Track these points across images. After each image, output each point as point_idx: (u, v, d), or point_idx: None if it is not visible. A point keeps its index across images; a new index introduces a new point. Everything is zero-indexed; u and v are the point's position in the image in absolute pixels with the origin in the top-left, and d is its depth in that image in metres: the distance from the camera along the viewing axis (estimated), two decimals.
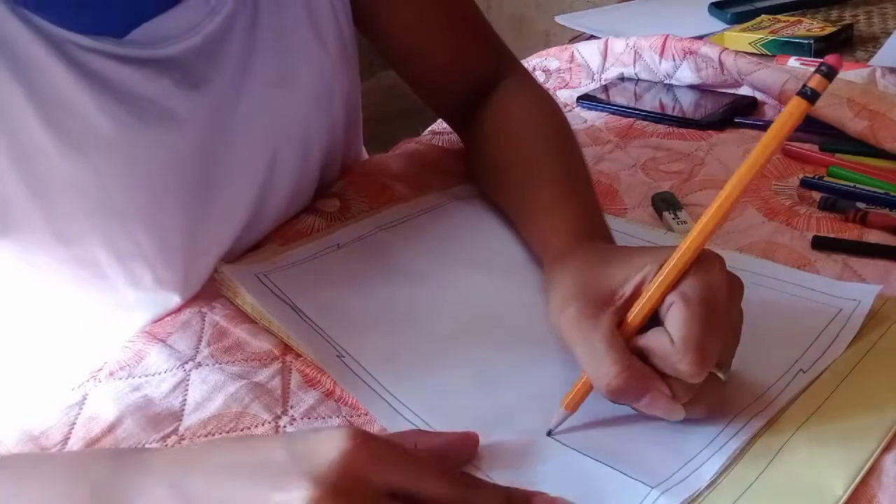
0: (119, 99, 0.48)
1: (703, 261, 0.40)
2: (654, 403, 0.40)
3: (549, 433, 0.42)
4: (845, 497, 0.38)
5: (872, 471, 0.39)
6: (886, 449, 0.40)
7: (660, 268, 0.41)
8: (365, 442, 0.34)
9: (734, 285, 0.42)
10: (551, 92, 0.92)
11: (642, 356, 0.41)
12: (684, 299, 0.39)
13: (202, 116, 0.53)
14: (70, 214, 0.48)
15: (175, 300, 0.54)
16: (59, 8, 0.46)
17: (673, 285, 0.40)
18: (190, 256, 0.54)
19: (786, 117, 0.39)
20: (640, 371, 0.40)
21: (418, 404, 0.45)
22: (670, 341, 0.39)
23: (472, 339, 0.50)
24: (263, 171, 0.59)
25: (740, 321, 0.42)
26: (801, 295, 0.52)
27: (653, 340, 0.40)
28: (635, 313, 0.41)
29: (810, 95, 0.38)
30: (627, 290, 0.42)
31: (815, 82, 0.38)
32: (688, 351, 0.39)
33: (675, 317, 0.40)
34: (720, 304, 0.40)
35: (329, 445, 0.34)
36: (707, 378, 0.40)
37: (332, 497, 0.32)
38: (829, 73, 0.38)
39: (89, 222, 0.49)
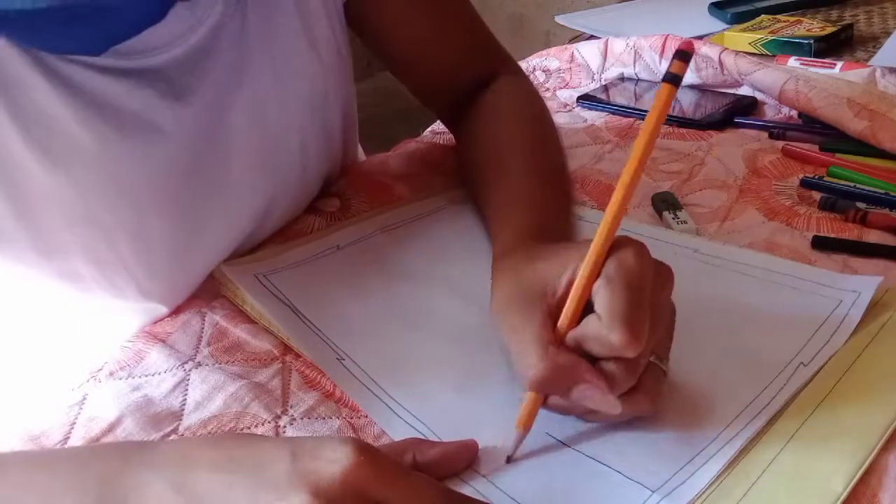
0: (100, 111, 0.48)
1: (620, 245, 0.41)
2: (584, 394, 0.40)
3: (508, 460, 0.41)
4: (845, 494, 0.37)
5: (874, 470, 0.39)
6: (887, 448, 0.40)
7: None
8: (368, 459, 0.34)
9: (662, 271, 0.42)
10: (551, 92, 0.92)
11: (579, 347, 0.41)
12: (606, 279, 0.40)
13: (187, 128, 0.52)
14: (52, 227, 0.47)
15: (161, 310, 0.54)
16: (29, 31, 0.45)
17: (595, 275, 0.41)
18: (178, 268, 0.53)
19: (661, 102, 0.42)
20: (565, 362, 0.40)
21: (417, 407, 0.45)
22: (599, 320, 0.39)
23: (471, 342, 0.50)
24: (262, 183, 0.58)
25: (672, 314, 0.43)
26: (801, 288, 0.52)
27: (585, 326, 0.41)
28: (566, 310, 0.41)
29: (673, 79, 0.42)
30: (559, 288, 0.42)
31: (676, 67, 0.42)
32: (615, 321, 0.39)
33: (600, 296, 0.40)
34: (642, 281, 0.40)
35: (333, 456, 0.34)
36: (648, 369, 0.41)
37: None
38: (686, 57, 0.42)
39: (71, 234, 0.48)
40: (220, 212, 0.55)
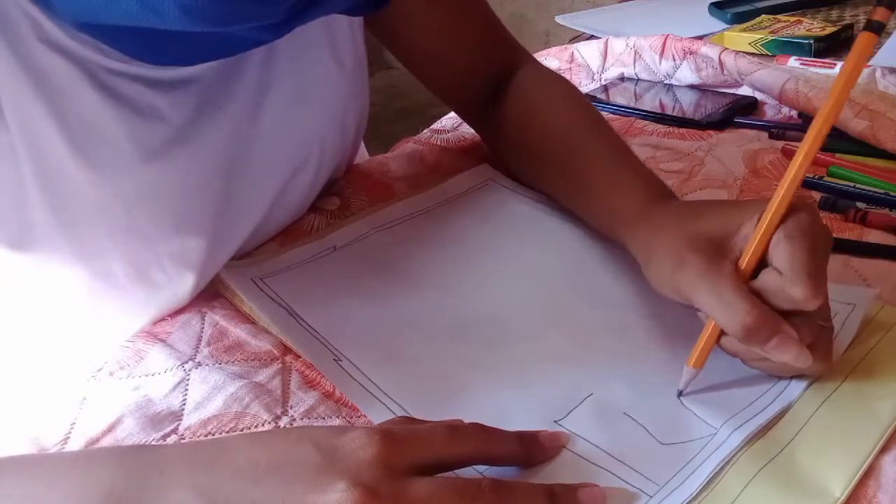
0: (146, 124, 0.48)
1: (798, 207, 0.43)
2: (782, 346, 0.41)
3: (680, 395, 0.44)
4: (843, 498, 0.38)
5: (871, 472, 0.39)
6: (885, 450, 0.40)
7: (759, 218, 0.43)
8: (390, 435, 0.36)
9: (827, 234, 0.44)
10: None
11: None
12: (787, 235, 0.42)
13: (225, 137, 0.53)
14: (94, 236, 0.48)
15: (183, 300, 0.54)
16: (131, 42, 0.45)
17: (774, 230, 0.42)
18: (205, 262, 0.54)
19: (858, 52, 0.41)
20: (768, 311, 0.41)
21: (416, 407, 0.45)
22: (779, 275, 0.41)
23: (469, 340, 0.50)
24: (279, 184, 0.59)
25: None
26: None
27: (764, 279, 0.42)
28: (745, 261, 0.43)
29: (876, 27, 0.41)
30: (735, 242, 0.44)
31: (880, 14, 0.41)
32: (797, 275, 0.41)
33: (781, 251, 0.42)
34: (820, 242, 0.42)
35: (359, 442, 0.35)
36: (819, 331, 0.43)
37: (370, 495, 0.33)
38: (891, 4, 0.41)
39: (111, 241, 0.48)
40: (239, 210, 0.56)
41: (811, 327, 0.42)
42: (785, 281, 0.41)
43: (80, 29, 0.44)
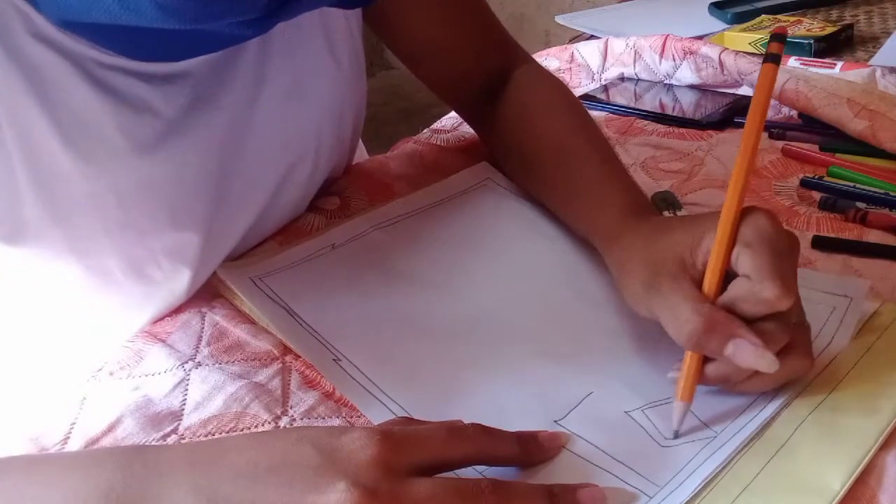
0: (139, 118, 0.48)
1: (751, 213, 0.43)
2: (740, 351, 0.41)
3: (676, 435, 0.42)
4: (842, 493, 0.38)
5: (872, 470, 0.39)
6: (886, 448, 0.40)
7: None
8: (389, 436, 0.36)
9: (791, 237, 0.44)
10: None
11: (730, 312, 0.42)
12: (745, 243, 0.42)
13: (219, 131, 0.53)
14: (88, 231, 0.48)
15: (181, 297, 0.54)
16: (118, 40, 0.45)
17: (732, 241, 0.42)
18: (201, 258, 0.54)
19: (764, 82, 0.44)
20: (721, 318, 0.41)
21: (415, 407, 0.45)
22: (748, 280, 0.41)
23: (468, 340, 0.50)
24: (275, 180, 0.59)
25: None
26: None
27: (733, 290, 0.42)
28: (708, 279, 0.43)
29: (773, 59, 0.44)
30: (697, 259, 0.44)
31: (775, 48, 0.44)
32: (765, 277, 0.40)
33: (744, 259, 0.42)
34: (781, 243, 0.42)
35: (359, 443, 0.35)
36: (796, 329, 0.42)
37: (370, 496, 0.33)
38: (782, 38, 0.45)
39: (107, 237, 0.49)
40: (235, 205, 0.56)
41: (784, 329, 0.42)
42: (754, 284, 0.41)
43: (64, 27, 0.44)
